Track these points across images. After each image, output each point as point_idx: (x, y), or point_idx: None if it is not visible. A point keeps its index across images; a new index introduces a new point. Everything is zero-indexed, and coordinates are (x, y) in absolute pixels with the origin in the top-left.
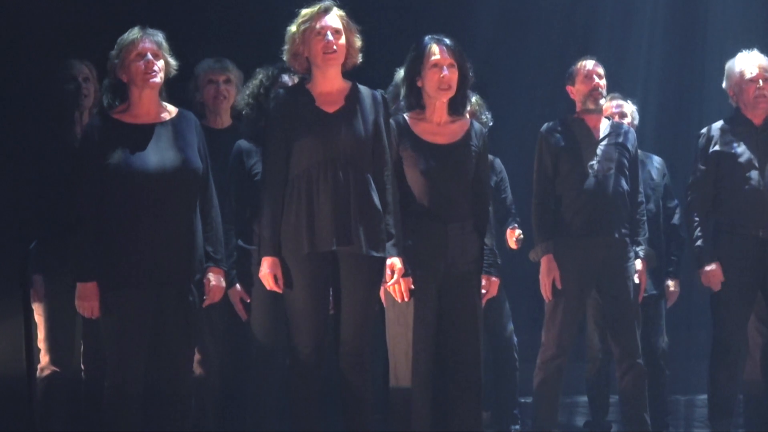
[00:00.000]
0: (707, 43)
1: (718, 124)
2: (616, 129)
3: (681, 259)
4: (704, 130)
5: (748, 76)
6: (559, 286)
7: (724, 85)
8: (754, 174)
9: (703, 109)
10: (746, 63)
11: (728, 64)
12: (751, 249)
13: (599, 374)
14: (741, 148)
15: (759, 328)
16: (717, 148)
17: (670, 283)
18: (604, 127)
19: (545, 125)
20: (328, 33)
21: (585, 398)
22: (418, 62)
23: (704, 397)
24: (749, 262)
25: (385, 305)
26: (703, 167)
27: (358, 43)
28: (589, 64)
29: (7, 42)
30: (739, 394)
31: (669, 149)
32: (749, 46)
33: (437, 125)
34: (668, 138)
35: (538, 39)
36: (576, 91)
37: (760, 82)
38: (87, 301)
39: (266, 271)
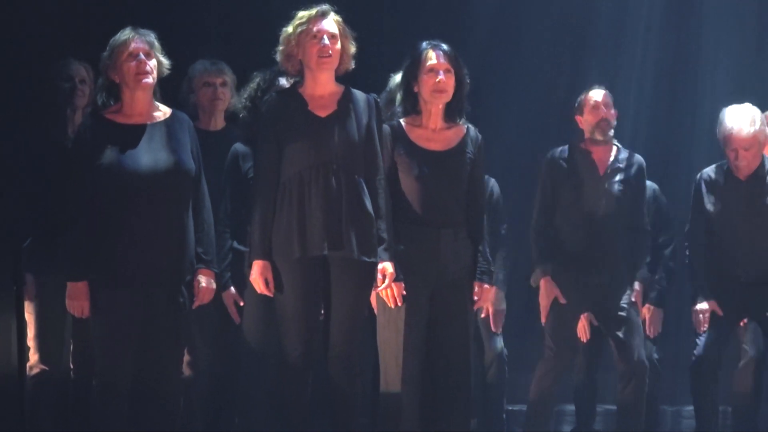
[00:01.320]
0: (699, 66)
1: (708, 172)
2: (621, 161)
3: (666, 288)
4: (698, 177)
5: (729, 143)
6: (562, 301)
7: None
8: (739, 226)
9: (695, 136)
10: (729, 127)
11: (720, 114)
12: (735, 290)
13: (586, 383)
14: (725, 201)
15: (751, 339)
16: (704, 198)
17: (653, 309)
18: (611, 159)
19: (551, 151)
20: (325, 37)
21: (572, 407)
22: (414, 67)
23: (691, 408)
24: (731, 299)
25: (375, 310)
26: (693, 218)
27: (352, 49)
28: (597, 94)
29: (5, 39)
30: (728, 407)
31: (659, 177)
32: (741, 72)
33: (432, 131)
34: (659, 166)
35: (530, 55)
36: (584, 122)
37: (739, 151)
38: (77, 300)
39: (257, 274)
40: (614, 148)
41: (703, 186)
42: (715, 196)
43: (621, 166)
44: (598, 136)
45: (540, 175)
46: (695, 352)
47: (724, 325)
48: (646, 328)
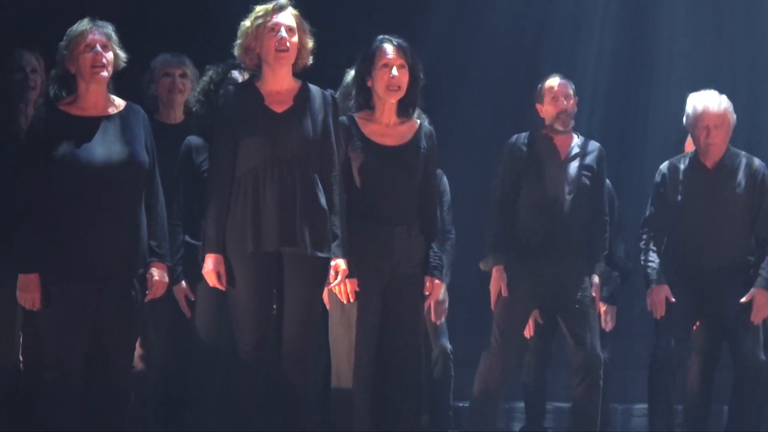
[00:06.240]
0: (654, 66)
1: (673, 161)
2: (584, 148)
3: (620, 287)
4: (662, 166)
5: (700, 123)
6: (504, 294)
7: (684, 121)
8: (704, 215)
9: (648, 133)
10: (700, 107)
11: (688, 100)
12: (695, 281)
13: (537, 380)
14: (691, 190)
15: (702, 336)
16: (668, 187)
17: (606, 306)
18: (571, 146)
19: (514, 137)
20: (282, 30)
21: (522, 404)
22: (368, 62)
23: (641, 406)
24: (691, 292)
25: (328, 306)
26: (655, 206)
27: (309, 44)
28: (556, 84)
29: None
30: (679, 405)
31: (611, 174)
32: (696, 70)
33: (386, 126)
34: (611, 162)
35: (488, 49)
36: (544, 111)
37: (710, 129)
38: (28, 292)
39: (209, 268)
40: (575, 136)
41: (668, 174)
42: (680, 185)
43: (582, 152)
44: (558, 127)
45: (501, 161)
46: (657, 349)
47: (686, 319)
48: (602, 323)
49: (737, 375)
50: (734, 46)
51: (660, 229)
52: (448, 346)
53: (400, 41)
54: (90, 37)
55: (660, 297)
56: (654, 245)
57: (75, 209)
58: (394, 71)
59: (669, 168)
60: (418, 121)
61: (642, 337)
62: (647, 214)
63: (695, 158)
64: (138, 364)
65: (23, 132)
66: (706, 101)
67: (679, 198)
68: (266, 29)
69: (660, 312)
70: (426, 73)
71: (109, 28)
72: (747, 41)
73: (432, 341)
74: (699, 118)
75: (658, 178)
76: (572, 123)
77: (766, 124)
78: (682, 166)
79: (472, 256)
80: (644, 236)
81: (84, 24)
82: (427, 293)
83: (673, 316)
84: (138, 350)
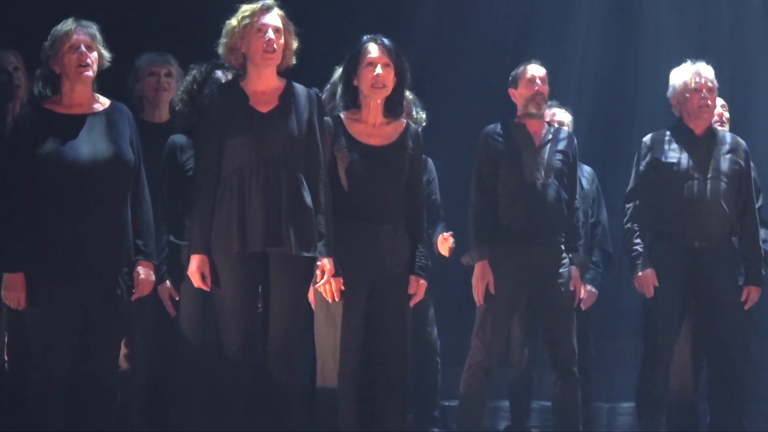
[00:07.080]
0: (640, 53)
1: (658, 133)
2: (556, 135)
3: (603, 269)
4: (646, 138)
5: (692, 85)
6: (492, 291)
7: (668, 93)
8: (693, 184)
9: (635, 119)
10: (690, 73)
11: (672, 73)
12: (686, 259)
13: (521, 380)
14: (681, 158)
15: (689, 336)
16: (657, 157)
17: (589, 288)
18: (544, 132)
19: (486, 128)
20: (270, 31)
21: (507, 403)
22: (354, 61)
23: (627, 405)
24: (683, 273)
25: (313, 305)
26: (642, 176)
27: (294, 44)
28: (532, 68)
29: None
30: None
31: (600, 158)
32: (682, 58)
33: (372, 126)
34: (600, 147)
35: (475, 41)
36: (518, 95)
37: (704, 91)
38: (14, 292)
39: (194, 268)
40: (545, 124)
41: (654, 144)
42: (669, 152)
43: (556, 137)
44: (532, 109)
45: (475, 154)
46: (646, 349)
47: (676, 312)
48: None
49: (713, 366)
50: (720, 33)
51: (647, 201)
52: (437, 340)
53: (386, 41)
54: (74, 37)
55: (647, 281)
56: (638, 225)
57: (61, 207)
58: (379, 69)
59: (653, 139)
60: (405, 122)
61: (627, 335)
62: (630, 187)
63: (682, 126)
64: (123, 363)
65: (9, 131)
66: (696, 66)
67: (669, 161)
68: (253, 29)
69: (651, 293)
70: (413, 67)
71: (94, 28)
72: (733, 26)
73: (420, 335)
74: (691, 81)
75: (643, 149)
76: (545, 108)
77: (752, 104)
78: (667, 137)
79: (459, 251)
80: (627, 212)
81: (68, 24)
82: (411, 293)
83: (661, 315)
84: (123, 350)
